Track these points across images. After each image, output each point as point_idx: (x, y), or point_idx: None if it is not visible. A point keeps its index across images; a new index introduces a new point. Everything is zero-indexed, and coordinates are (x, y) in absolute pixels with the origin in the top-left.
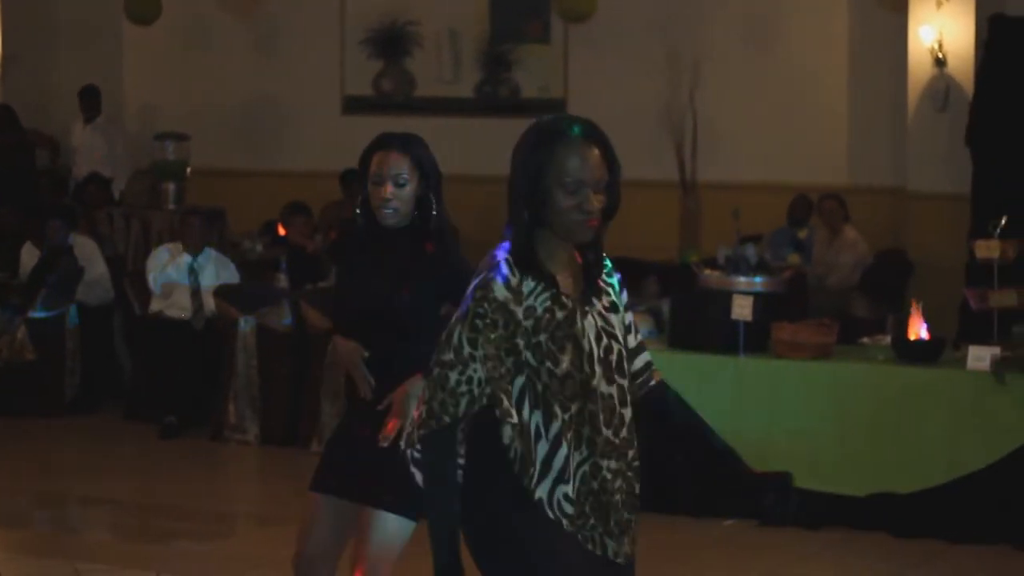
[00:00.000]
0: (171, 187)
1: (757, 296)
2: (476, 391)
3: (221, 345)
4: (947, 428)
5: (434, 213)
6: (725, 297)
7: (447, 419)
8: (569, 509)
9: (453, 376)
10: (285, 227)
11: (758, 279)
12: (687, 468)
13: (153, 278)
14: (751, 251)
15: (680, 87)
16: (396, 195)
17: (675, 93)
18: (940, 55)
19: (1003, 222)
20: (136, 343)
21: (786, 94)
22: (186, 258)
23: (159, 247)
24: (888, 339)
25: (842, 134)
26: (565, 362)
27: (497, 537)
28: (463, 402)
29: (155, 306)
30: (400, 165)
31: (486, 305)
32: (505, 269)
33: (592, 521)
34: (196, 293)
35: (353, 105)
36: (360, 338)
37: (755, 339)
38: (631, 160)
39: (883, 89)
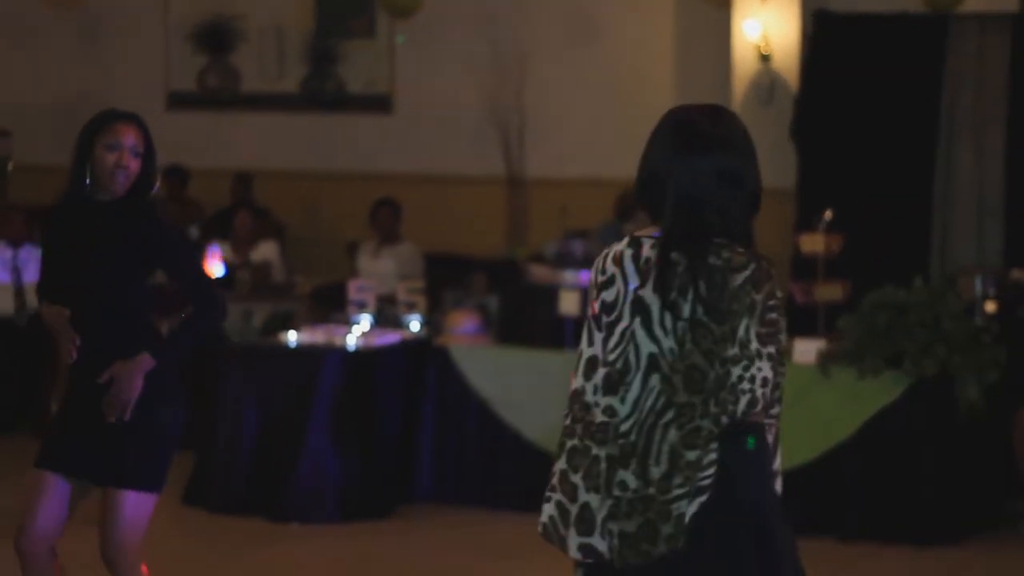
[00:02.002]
0: None
1: (584, 291)
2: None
3: (44, 343)
4: None
5: (153, 192)
6: (552, 292)
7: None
8: None
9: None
10: None
11: (585, 274)
12: (510, 464)
13: None
14: (578, 246)
15: (506, 82)
16: (131, 163)
17: (501, 88)
18: (765, 50)
19: (828, 216)
20: None
21: (612, 89)
22: (8, 255)
23: None
24: None
25: None
26: None
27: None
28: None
29: None
30: (137, 138)
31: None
32: None
33: None
34: (20, 291)
35: (177, 100)
36: (72, 315)
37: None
38: (458, 155)
39: (708, 84)
